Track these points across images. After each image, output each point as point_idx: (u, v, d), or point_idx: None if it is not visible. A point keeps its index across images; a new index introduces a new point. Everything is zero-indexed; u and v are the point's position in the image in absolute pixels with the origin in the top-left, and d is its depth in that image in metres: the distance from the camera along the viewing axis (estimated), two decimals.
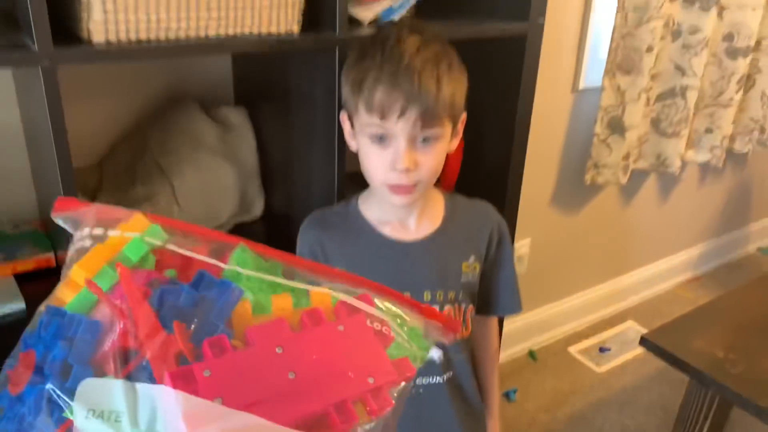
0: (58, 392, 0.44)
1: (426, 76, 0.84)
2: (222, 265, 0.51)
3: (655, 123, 2.06)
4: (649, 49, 1.81)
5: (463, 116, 0.96)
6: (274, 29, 0.87)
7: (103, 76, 1.12)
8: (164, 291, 0.48)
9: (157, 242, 0.51)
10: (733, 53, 2.06)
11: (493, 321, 1.16)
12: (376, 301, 0.53)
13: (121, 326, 0.46)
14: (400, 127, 0.85)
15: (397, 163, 0.86)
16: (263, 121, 1.19)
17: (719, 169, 2.50)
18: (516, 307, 1.12)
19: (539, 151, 1.91)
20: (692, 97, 2.00)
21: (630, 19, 1.78)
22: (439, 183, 1.22)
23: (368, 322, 0.52)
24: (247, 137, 1.18)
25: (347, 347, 0.50)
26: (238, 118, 1.19)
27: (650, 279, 2.53)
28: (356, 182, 1.06)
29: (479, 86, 1.23)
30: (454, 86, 0.88)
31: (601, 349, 2.21)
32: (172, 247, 0.51)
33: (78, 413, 0.43)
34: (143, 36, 0.77)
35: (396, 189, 0.90)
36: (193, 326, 0.47)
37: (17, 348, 0.48)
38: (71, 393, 0.43)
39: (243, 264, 0.52)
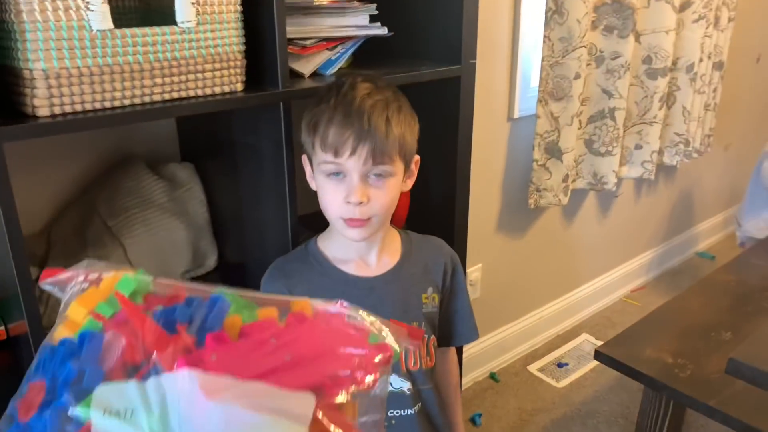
0: (73, 399, 0.47)
1: (376, 116, 0.90)
2: (208, 289, 0.56)
3: (589, 144, 2.17)
4: (577, 76, 1.91)
5: (417, 158, 1.01)
6: (218, 89, 0.90)
7: (46, 142, 1.11)
8: (161, 311, 0.53)
9: (146, 278, 0.55)
10: (652, 74, 2.19)
11: (453, 352, 1.20)
12: (350, 309, 0.60)
13: (126, 342, 0.50)
14: (352, 164, 0.90)
15: (350, 196, 0.91)
16: (211, 175, 1.20)
17: (652, 182, 2.63)
18: (473, 335, 1.16)
19: (482, 179, 1.98)
20: (620, 117, 2.12)
21: (556, 49, 1.88)
22: (392, 219, 1.26)
23: (346, 320, 0.59)
24: (196, 192, 1.19)
25: (332, 335, 0.57)
26: (185, 173, 1.20)
27: (599, 291, 2.62)
28: (307, 226, 1.09)
29: (421, 125, 1.29)
30: (404, 127, 0.94)
31: (559, 365, 2.27)
32: (159, 282, 0.56)
33: (94, 415, 0.46)
34: (88, 107, 0.78)
35: (351, 222, 0.94)
36: (193, 330, 0.52)
37: (20, 389, 0.50)
38: (87, 393, 0.47)
39: (226, 292, 0.56)
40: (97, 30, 0.76)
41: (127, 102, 0.81)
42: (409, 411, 1.03)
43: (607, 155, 2.16)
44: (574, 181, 2.19)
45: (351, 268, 1.02)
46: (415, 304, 1.05)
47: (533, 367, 2.26)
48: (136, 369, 0.49)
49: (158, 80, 0.83)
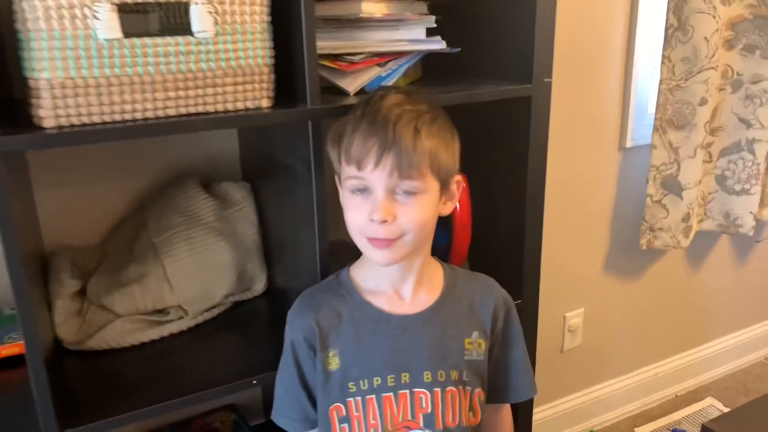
0: None
1: (402, 125, 0.80)
2: None
3: (721, 180, 1.88)
4: (703, 102, 1.67)
5: (458, 177, 0.90)
6: (240, 105, 0.84)
7: (104, 155, 1.13)
8: None
9: None
10: None
11: (506, 410, 1.05)
12: None
13: None
14: (376, 177, 0.81)
15: (373, 213, 0.82)
16: (267, 196, 1.16)
17: None
18: (530, 391, 1.01)
19: (588, 213, 1.79)
20: (762, 150, 1.82)
21: (678, 71, 1.65)
22: (451, 255, 1.14)
23: None
24: (248, 212, 1.15)
25: None
26: (239, 193, 1.16)
27: (733, 350, 2.27)
28: (344, 252, 1.00)
29: (487, 152, 1.16)
30: (437, 141, 0.83)
31: (675, 431, 1.98)
32: None
33: None
34: (96, 119, 0.75)
35: (375, 243, 0.84)
36: None
37: None
38: None
39: None
40: (104, 39, 0.73)
41: (138, 115, 0.78)
42: None
43: (744, 194, 1.87)
44: (701, 221, 1.91)
45: (383, 302, 0.91)
46: (457, 350, 0.92)
47: (642, 430, 1.99)
48: None
49: (171, 93, 0.78)
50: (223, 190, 1.17)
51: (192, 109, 0.81)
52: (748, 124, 1.81)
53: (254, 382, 0.94)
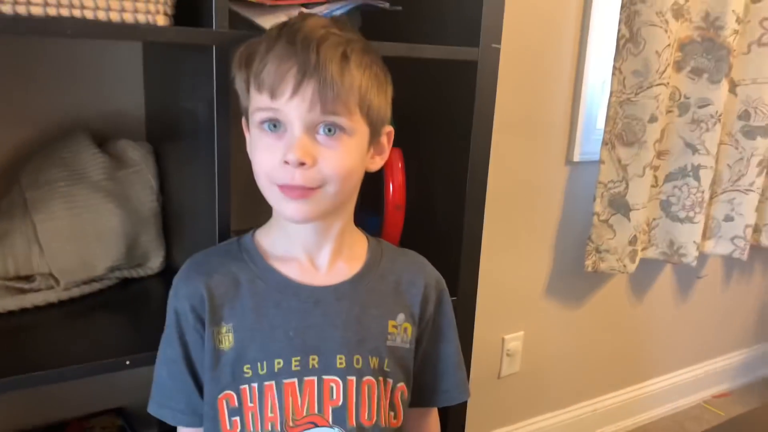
0: None
1: (328, 47, 0.66)
2: None
3: (666, 206, 1.83)
4: (653, 119, 1.61)
5: (389, 128, 0.77)
6: (129, 18, 0.70)
7: None
8: None
9: None
10: (750, 133, 1.85)
11: (433, 417, 0.90)
12: None
13: None
14: (293, 108, 0.66)
15: (288, 153, 0.67)
16: (169, 161, 1.01)
17: (746, 265, 2.22)
18: (462, 393, 0.87)
19: (531, 229, 1.69)
20: (706, 177, 1.77)
21: (628, 84, 1.59)
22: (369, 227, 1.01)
23: None
24: (145, 175, 0.99)
25: None
26: (137, 153, 1.00)
27: (672, 390, 2.19)
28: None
29: (425, 126, 1.05)
30: (369, 76, 0.70)
31: None
32: None
33: None
34: None
35: (289, 191, 0.69)
36: None
37: None
38: None
39: None
40: None
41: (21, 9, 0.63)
42: None
43: (687, 222, 1.81)
44: (645, 248, 1.84)
45: (293, 271, 0.76)
46: (378, 333, 0.77)
47: None
48: None
49: None
50: (120, 149, 1.01)
51: (65, 11, 0.67)
52: (694, 149, 1.76)
53: (128, 363, 0.77)
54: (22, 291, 0.87)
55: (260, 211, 0.80)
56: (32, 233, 0.88)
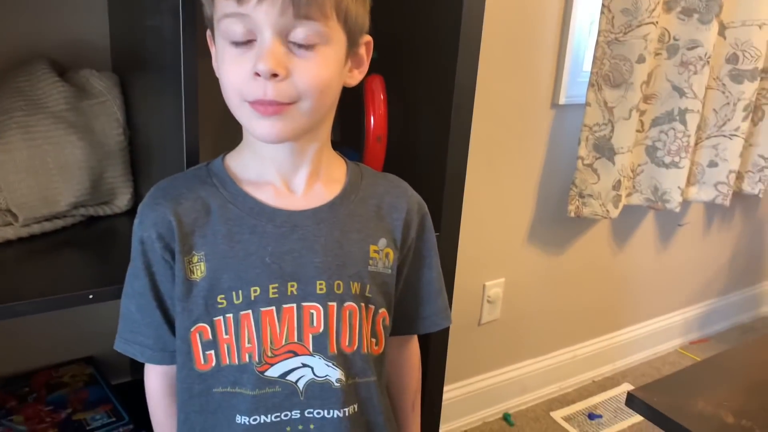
0: None
1: None
2: None
3: (651, 151, 1.80)
4: (641, 59, 1.57)
5: (368, 38, 0.71)
6: None
7: None
8: None
9: None
10: (738, 77, 1.82)
11: (414, 345, 0.88)
12: None
13: None
14: (263, 13, 0.60)
15: (258, 63, 0.61)
16: (136, 92, 0.94)
17: (728, 212, 2.22)
18: (443, 319, 0.84)
19: (514, 174, 1.65)
20: (693, 121, 1.74)
21: (617, 23, 1.54)
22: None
23: None
24: (111, 107, 0.93)
25: None
26: (102, 83, 0.94)
27: (651, 337, 2.21)
28: None
29: (408, 49, 0.99)
30: None
31: (591, 416, 1.87)
32: None
33: None
34: None
35: (260, 107, 0.63)
36: None
37: None
38: None
39: None
40: None
41: None
42: (336, 413, 0.70)
43: (673, 167, 1.79)
44: (629, 195, 1.82)
45: (267, 195, 0.71)
46: (359, 258, 0.73)
47: (558, 414, 1.87)
48: None
49: None
50: (83, 79, 0.94)
51: None
52: (682, 93, 1.73)
53: (90, 297, 0.73)
54: None
55: (233, 147, 0.74)
56: None
